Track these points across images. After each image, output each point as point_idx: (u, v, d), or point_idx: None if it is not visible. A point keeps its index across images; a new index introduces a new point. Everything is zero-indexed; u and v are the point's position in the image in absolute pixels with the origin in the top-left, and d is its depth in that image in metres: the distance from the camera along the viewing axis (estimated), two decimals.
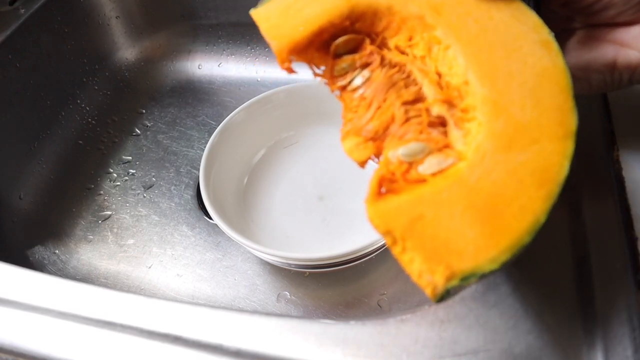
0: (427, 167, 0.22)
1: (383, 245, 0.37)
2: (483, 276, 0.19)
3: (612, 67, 0.26)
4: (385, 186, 0.21)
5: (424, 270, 0.19)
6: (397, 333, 0.25)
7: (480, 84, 0.22)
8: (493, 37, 0.23)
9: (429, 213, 0.20)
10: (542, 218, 0.19)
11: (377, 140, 0.23)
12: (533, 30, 0.23)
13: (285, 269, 0.42)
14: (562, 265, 0.27)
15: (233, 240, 0.37)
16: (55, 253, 0.46)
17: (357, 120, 0.24)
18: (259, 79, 0.60)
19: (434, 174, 0.21)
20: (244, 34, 0.60)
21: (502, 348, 0.24)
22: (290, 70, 0.25)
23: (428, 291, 0.19)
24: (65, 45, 0.54)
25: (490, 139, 0.21)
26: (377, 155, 0.23)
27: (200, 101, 0.58)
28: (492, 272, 0.19)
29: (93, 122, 0.56)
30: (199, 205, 0.48)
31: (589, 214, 0.28)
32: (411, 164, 0.22)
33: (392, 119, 0.23)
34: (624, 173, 0.30)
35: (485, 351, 0.24)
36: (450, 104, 0.23)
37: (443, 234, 0.20)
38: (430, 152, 0.22)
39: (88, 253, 0.46)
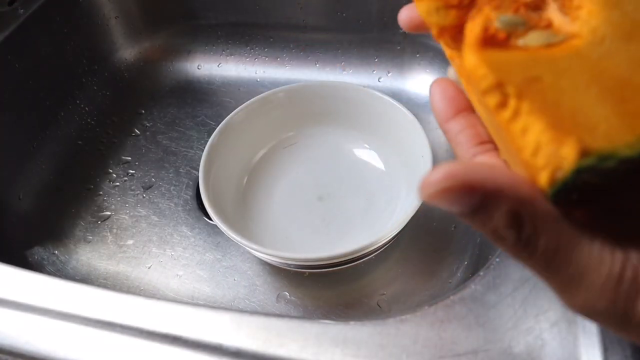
0: (529, 40, 0.18)
1: (383, 246, 0.37)
2: (622, 163, 0.15)
3: None
4: (486, 42, 0.18)
5: (544, 142, 0.15)
6: (397, 333, 0.25)
7: None
8: None
9: (547, 77, 0.16)
10: None
11: (461, 10, 0.19)
12: None
13: (284, 269, 0.42)
14: None
15: (232, 241, 0.37)
16: (54, 254, 0.46)
17: None
18: (258, 79, 0.60)
19: (539, 48, 0.18)
20: (243, 35, 0.60)
21: (502, 348, 0.24)
22: None
23: (546, 174, 0.15)
24: (65, 46, 0.54)
25: (608, 26, 0.17)
26: (457, 27, 0.20)
27: (200, 101, 0.58)
28: (628, 162, 0.15)
29: (92, 122, 0.56)
30: (199, 205, 0.48)
31: None
32: (509, 35, 0.18)
33: None
34: None
35: (485, 351, 0.24)
36: None
37: (568, 102, 0.15)
38: (532, 27, 0.18)
39: (87, 253, 0.46)
